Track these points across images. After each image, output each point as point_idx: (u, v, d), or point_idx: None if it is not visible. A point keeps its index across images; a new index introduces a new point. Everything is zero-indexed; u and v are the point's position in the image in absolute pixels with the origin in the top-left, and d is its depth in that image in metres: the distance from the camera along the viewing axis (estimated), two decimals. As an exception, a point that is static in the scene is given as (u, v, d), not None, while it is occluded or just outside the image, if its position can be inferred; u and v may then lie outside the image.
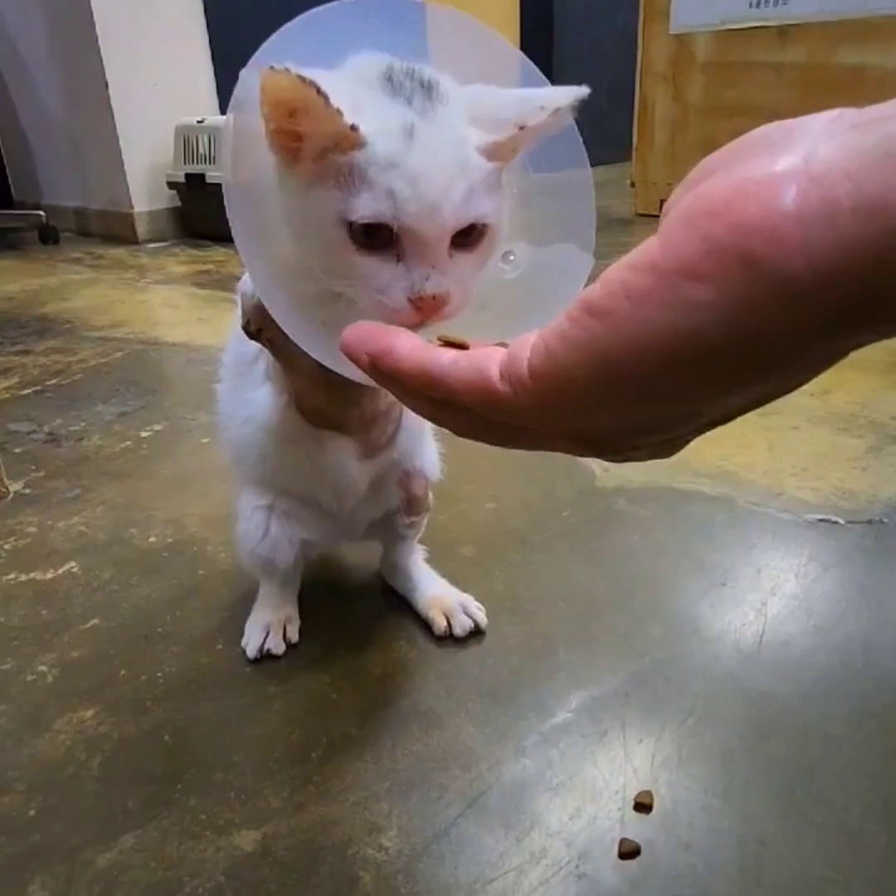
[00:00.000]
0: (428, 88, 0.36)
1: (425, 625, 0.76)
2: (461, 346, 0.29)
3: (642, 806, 0.56)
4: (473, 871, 0.52)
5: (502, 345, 0.27)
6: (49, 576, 0.88)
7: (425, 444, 0.75)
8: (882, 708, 0.64)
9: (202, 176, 2.69)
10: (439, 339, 0.30)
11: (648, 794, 0.57)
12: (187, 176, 2.74)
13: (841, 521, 0.91)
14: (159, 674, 0.72)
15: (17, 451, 1.21)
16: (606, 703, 0.66)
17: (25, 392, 1.47)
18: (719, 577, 0.82)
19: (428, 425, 0.74)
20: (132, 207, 2.87)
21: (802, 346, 0.21)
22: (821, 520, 0.91)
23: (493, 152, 0.37)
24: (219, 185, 2.45)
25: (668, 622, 0.76)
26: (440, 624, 0.75)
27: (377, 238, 0.36)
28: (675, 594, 0.80)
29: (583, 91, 0.35)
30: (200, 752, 0.63)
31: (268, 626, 0.75)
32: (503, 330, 0.37)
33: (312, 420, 0.65)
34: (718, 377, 0.22)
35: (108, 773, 0.62)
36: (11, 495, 1.07)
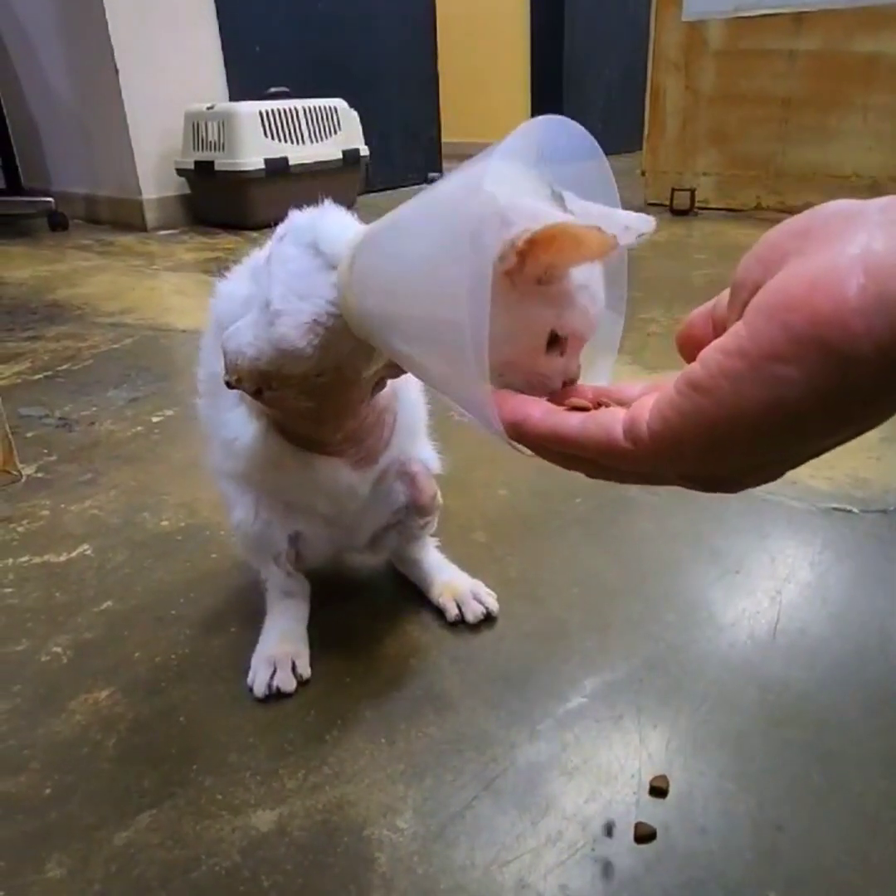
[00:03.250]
0: (564, 206, 0.39)
1: (438, 610, 0.76)
2: (583, 408, 0.34)
3: (658, 790, 0.56)
4: (489, 853, 0.52)
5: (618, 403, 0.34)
6: (63, 558, 0.88)
7: (423, 442, 0.75)
8: (898, 695, 0.64)
9: (211, 163, 2.68)
10: (566, 404, 0.35)
11: (664, 778, 0.57)
12: (196, 163, 2.74)
13: (855, 510, 0.90)
14: (173, 656, 0.72)
15: (30, 435, 1.21)
16: (621, 689, 0.66)
17: (37, 377, 1.47)
18: (733, 564, 0.82)
19: (423, 424, 0.74)
20: (141, 194, 2.87)
21: (874, 403, 0.25)
22: (835, 508, 0.91)
23: None
24: (227, 172, 2.43)
25: (681, 609, 0.76)
26: (452, 611, 0.75)
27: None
28: (688, 581, 0.80)
29: (653, 223, 0.38)
30: (215, 732, 0.64)
31: (274, 661, 0.69)
32: None
33: (297, 442, 0.64)
34: (805, 433, 0.27)
35: (124, 753, 0.62)
36: (24, 479, 1.07)
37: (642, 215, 0.38)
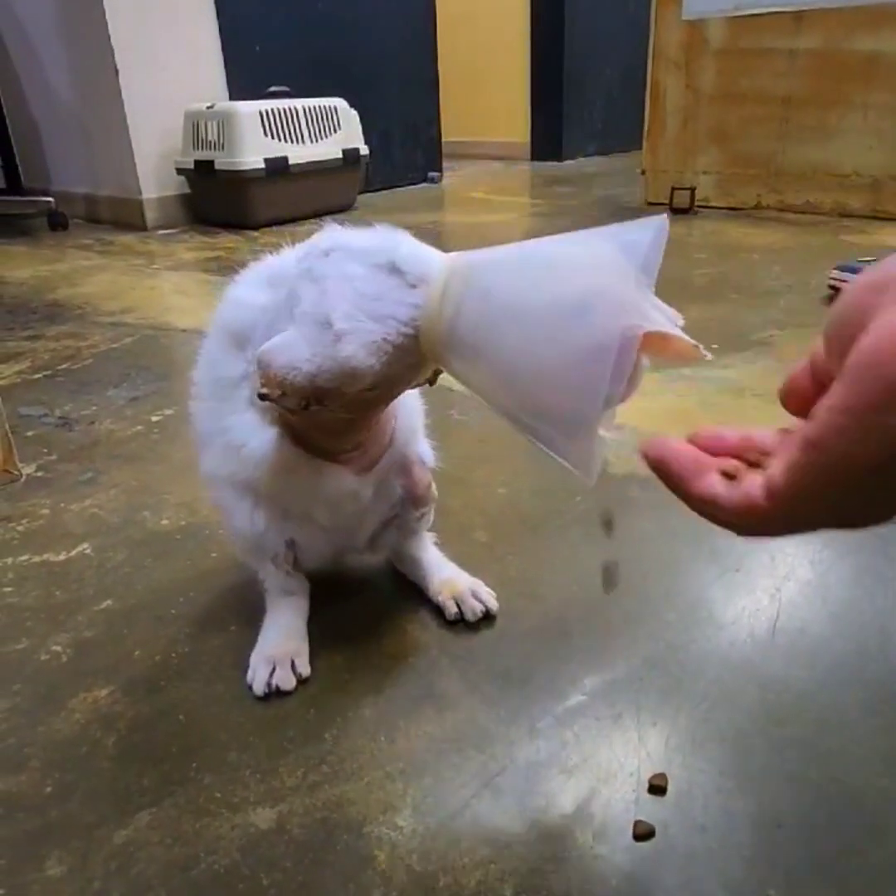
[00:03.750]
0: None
1: (438, 609, 0.76)
2: (731, 476, 0.37)
3: (657, 788, 0.56)
4: (488, 851, 0.52)
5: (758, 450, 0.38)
6: (62, 557, 0.88)
7: (420, 438, 0.75)
8: (898, 694, 0.64)
9: (211, 162, 2.68)
10: (717, 469, 0.38)
11: (663, 776, 0.57)
12: (196, 162, 2.74)
13: (855, 509, 0.90)
14: (173, 654, 0.73)
15: (30, 434, 1.21)
16: (621, 687, 0.66)
17: (37, 376, 1.47)
18: (733, 563, 0.82)
19: (421, 425, 0.75)
20: (141, 194, 2.87)
21: None
22: (835, 507, 0.91)
23: None
24: (227, 172, 2.44)
25: (681, 607, 0.76)
26: (451, 609, 0.75)
27: None
28: (688, 580, 0.80)
29: (681, 319, 0.43)
30: (215, 731, 0.64)
31: (273, 659, 0.69)
32: None
33: (309, 449, 0.64)
34: None
35: (124, 752, 0.62)
36: (24, 478, 1.07)
37: (674, 312, 0.43)
